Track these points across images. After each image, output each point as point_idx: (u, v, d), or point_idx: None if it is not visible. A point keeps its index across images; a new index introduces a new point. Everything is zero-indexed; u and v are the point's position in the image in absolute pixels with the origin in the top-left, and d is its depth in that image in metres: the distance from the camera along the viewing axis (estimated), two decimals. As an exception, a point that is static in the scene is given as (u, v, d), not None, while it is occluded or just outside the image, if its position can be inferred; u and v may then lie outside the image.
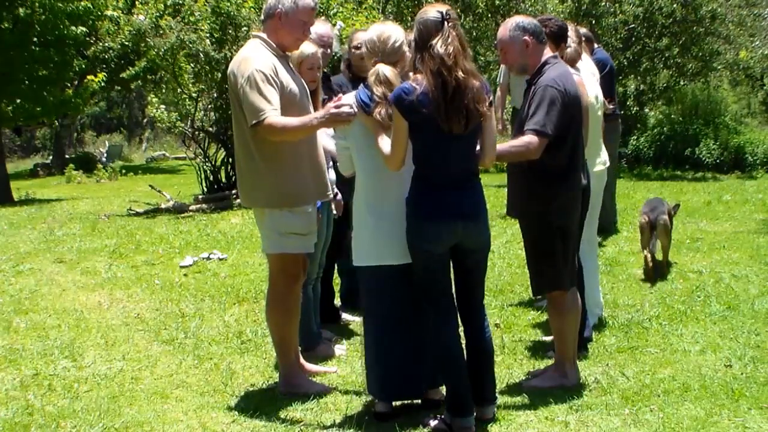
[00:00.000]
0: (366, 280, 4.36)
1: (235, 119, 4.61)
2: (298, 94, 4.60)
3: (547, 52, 4.61)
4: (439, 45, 3.92)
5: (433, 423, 4.22)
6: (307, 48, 4.98)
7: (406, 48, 4.23)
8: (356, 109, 4.16)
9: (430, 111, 3.92)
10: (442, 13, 3.97)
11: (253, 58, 4.47)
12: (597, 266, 6.03)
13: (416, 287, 4.20)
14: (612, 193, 8.83)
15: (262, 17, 4.71)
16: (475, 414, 4.15)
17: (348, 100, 4.25)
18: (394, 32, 4.25)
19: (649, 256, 7.17)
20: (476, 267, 4.26)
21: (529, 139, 4.36)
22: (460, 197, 4.07)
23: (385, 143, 4.08)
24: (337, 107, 4.18)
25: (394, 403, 4.42)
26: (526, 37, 4.53)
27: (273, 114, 4.35)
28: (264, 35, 4.61)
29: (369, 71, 4.23)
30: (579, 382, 4.74)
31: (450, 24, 3.96)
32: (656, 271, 7.18)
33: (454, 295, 4.27)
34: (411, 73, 4.08)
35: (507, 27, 4.61)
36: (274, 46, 4.58)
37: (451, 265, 4.24)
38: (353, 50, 6.21)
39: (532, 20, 4.64)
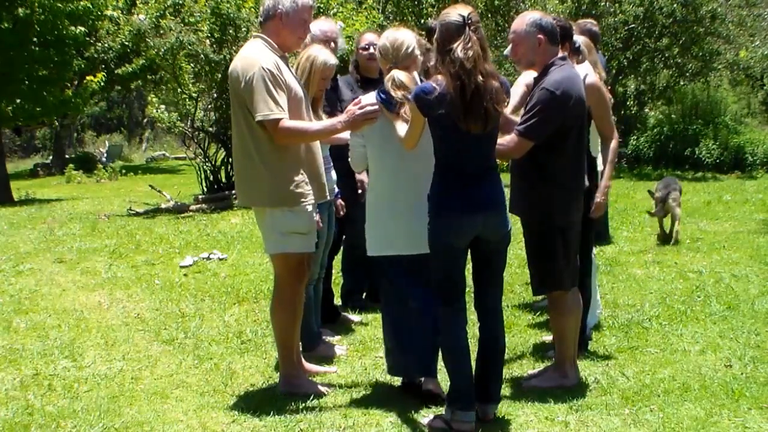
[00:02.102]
0: (381, 269, 4.61)
1: (235, 118, 4.61)
2: (303, 97, 4.64)
3: (557, 53, 4.60)
4: (459, 49, 3.98)
5: (431, 421, 4.24)
6: (332, 58, 5.00)
7: (418, 52, 4.44)
8: (379, 108, 4.37)
9: (448, 111, 3.99)
10: (464, 16, 4.03)
11: (258, 57, 4.47)
12: (595, 266, 6.02)
13: (433, 284, 4.27)
14: None
15: (260, 19, 4.69)
16: (476, 413, 4.16)
17: (368, 99, 4.44)
18: (406, 38, 4.45)
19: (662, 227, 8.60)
20: (495, 259, 4.28)
21: (510, 138, 4.42)
22: (481, 190, 4.12)
23: (401, 128, 4.27)
24: (361, 108, 4.35)
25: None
26: (540, 35, 4.52)
27: (285, 117, 4.41)
28: (265, 36, 4.61)
29: (384, 75, 4.43)
30: (579, 382, 4.74)
31: (471, 28, 4.02)
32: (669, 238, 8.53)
33: (474, 294, 4.34)
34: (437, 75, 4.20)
35: (524, 21, 4.58)
36: (276, 46, 4.58)
37: (471, 263, 4.31)
38: (361, 51, 6.23)
39: (549, 20, 4.62)
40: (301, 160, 4.57)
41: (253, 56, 4.49)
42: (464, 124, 4.00)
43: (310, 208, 4.59)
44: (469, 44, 3.99)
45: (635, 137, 16.96)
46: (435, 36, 4.16)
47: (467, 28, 4.01)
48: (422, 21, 16.05)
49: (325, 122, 4.69)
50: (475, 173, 4.11)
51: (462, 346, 4.18)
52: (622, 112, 17.15)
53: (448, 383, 4.27)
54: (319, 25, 5.58)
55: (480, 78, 3.99)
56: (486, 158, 4.16)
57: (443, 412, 4.21)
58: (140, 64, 20.98)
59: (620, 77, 17.10)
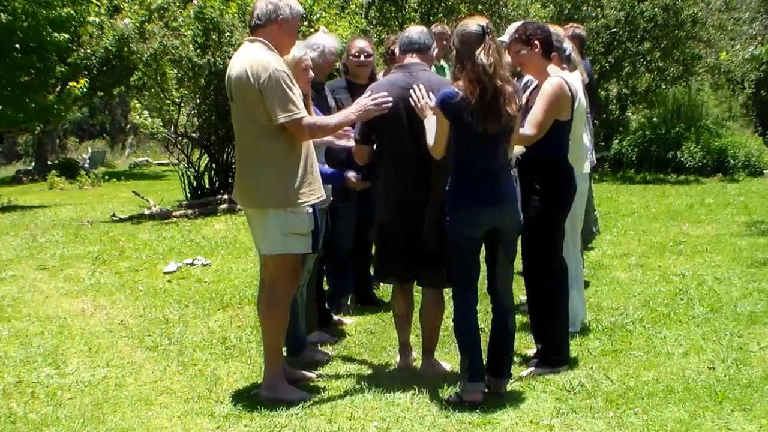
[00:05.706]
0: None
1: (239, 122, 4.67)
2: (302, 96, 4.73)
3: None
4: (482, 56, 4.37)
5: (449, 397, 4.58)
6: (298, 50, 5.02)
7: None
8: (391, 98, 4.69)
9: (469, 113, 4.38)
10: (483, 26, 4.44)
11: (269, 59, 4.52)
12: (581, 270, 6.03)
13: (448, 269, 4.70)
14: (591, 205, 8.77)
15: (258, 21, 4.65)
16: (489, 387, 4.60)
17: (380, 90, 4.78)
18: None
19: None
20: (507, 248, 4.66)
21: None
22: (494, 186, 4.51)
23: (430, 136, 4.59)
24: (373, 99, 4.65)
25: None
26: None
27: (305, 114, 4.57)
28: (262, 39, 4.62)
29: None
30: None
31: (490, 36, 4.43)
32: None
33: (487, 277, 4.73)
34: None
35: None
36: (275, 49, 4.61)
37: (484, 253, 4.73)
38: (351, 58, 6.28)
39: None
40: (304, 162, 4.64)
41: (263, 58, 4.53)
42: (482, 124, 4.38)
43: (310, 209, 4.67)
44: (490, 51, 4.39)
45: (618, 140, 17.04)
46: (455, 45, 4.53)
47: (486, 37, 4.41)
48: (404, 26, 16.06)
49: (340, 114, 4.89)
50: (489, 170, 4.49)
51: (471, 326, 4.59)
52: (605, 115, 17.24)
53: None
54: (324, 41, 5.75)
55: (498, 82, 4.39)
56: (499, 157, 4.53)
57: (459, 385, 4.57)
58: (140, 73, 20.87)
59: (602, 81, 17.17)
